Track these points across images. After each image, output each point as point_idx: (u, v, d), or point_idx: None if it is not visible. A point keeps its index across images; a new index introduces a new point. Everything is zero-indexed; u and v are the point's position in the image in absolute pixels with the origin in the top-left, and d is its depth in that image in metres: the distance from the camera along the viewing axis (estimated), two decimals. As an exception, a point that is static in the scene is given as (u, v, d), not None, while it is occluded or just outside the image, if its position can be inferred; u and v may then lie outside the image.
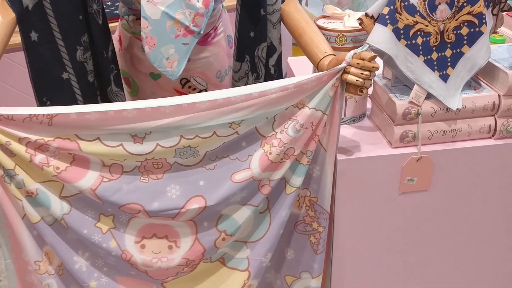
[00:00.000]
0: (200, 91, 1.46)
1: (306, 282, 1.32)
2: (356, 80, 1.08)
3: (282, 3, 1.29)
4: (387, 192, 1.26)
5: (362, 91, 1.10)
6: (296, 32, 1.27)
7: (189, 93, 1.46)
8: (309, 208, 1.26)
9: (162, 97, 1.09)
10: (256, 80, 1.34)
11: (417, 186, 1.25)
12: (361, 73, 1.07)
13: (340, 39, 1.24)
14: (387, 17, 1.14)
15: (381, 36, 1.14)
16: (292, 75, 1.62)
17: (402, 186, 1.25)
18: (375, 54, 1.07)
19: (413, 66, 1.18)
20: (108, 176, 1.12)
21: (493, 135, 1.25)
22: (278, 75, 1.34)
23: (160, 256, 1.19)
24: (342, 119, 1.34)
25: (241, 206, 1.19)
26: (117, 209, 1.13)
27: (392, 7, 1.14)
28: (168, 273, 1.21)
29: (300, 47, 1.27)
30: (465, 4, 1.17)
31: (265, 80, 1.34)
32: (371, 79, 1.10)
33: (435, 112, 1.20)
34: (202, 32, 1.22)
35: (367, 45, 1.09)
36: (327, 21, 1.31)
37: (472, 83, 1.27)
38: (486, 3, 1.18)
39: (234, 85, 1.37)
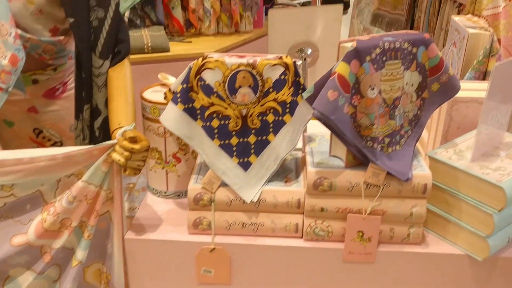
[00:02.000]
0: (55, 142, 1.46)
1: None
2: (118, 160, 1.01)
3: (111, 67, 1.26)
4: (185, 280, 1.15)
5: (125, 171, 1.03)
6: (107, 98, 1.23)
7: (45, 143, 1.46)
8: (106, 286, 1.19)
9: (20, 144, 1.08)
10: (83, 141, 1.31)
11: (216, 279, 1.14)
12: (122, 153, 1.00)
13: (154, 110, 1.18)
14: (178, 95, 1.06)
15: (170, 115, 1.07)
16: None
17: (199, 276, 1.14)
18: (135, 135, 1.00)
19: (208, 149, 1.09)
20: None
21: (302, 236, 1.11)
22: (104, 139, 1.30)
23: None
24: (165, 192, 1.26)
25: (26, 270, 1.15)
26: None
27: (185, 86, 1.06)
28: None
29: None
30: (271, 90, 1.07)
31: (90, 143, 1.31)
32: (142, 160, 1.03)
33: (231, 201, 1.09)
34: (10, 89, 1.21)
35: (134, 124, 1.02)
36: (159, 89, 1.26)
37: (289, 175, 1.14)
38: (295, 92, 1.07)
39: (76, 144, 1.35)
